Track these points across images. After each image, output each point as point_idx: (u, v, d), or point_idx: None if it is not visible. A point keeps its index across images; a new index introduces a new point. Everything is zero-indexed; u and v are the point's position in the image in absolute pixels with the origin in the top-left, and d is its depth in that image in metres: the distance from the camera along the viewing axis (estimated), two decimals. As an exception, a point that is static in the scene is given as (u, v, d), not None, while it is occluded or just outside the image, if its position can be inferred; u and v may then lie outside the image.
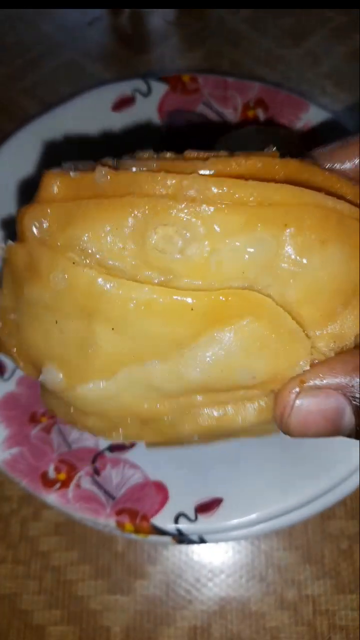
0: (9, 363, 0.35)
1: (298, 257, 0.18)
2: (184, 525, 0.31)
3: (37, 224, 0.20)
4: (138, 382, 0.20)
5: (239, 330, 0.19)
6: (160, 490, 0.32)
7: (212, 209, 0.17)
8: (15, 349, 0.22)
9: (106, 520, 0.31)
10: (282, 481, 0.31)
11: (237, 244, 0.18)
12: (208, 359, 0.19)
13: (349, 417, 0.18)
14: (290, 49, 0.51)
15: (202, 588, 0.34)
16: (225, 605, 0.33)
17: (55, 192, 0.20)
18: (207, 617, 0.33)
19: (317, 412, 0.18)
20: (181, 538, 0.31)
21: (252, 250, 0.18)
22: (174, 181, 0.18)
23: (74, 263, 0.19)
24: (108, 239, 0.18)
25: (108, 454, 0.33)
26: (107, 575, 0.34)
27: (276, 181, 0.18)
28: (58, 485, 0.32)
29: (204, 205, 0.17)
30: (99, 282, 0.18)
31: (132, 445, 0.33)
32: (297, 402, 0.18)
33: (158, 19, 0.54)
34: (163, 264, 0.18)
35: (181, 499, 0.31)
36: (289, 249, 0.18)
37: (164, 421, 0.21)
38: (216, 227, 0.18)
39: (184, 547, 0.34)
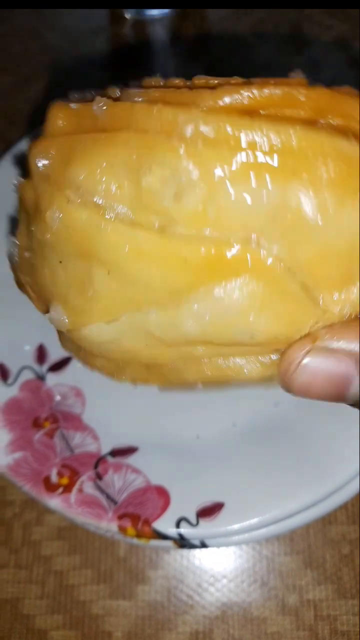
0: (12, 368, 0.36)
1: (310, 212, 0.16)
2: (185, 530, 0.31)
3: (40, 160, 0.19)
4: (138, 328, 0.19)
5: (236, 288, 0.17)
6: (162, 495, 0.32)
7: (210, 150, 0.15)
8: (30, 288, 0.22)
9: (108, 525, 0.31)
10: (284, 486, 0.31)
11: (239, 192, 0.16)
12: (204, 313, 0.17)
13: (355, 387, 0.18)
14: (291, 57, 0.52)
15: (204, 593, 0.34)
16: (226, 610, 0.33)
17: (60, 125, 0.19)
18: (208, 622, 0.33)
19: (324, 375, 0.17)
20: (183, 542, 0.31)
21: (256, 200, 0.16)
22: (169, 116, 0.16)
23: (68, 202, 0.18)
24: (103, 177, 0.17)
25: (110, 459, 0.33)
26: (109, 580, 0.34)
27: (298, 119, 0.16)
28: (61, 489, 0.32)
29: (201, 146, 0.15)
30: (92, 223, 0.17)
31: (134, 450, 0.34)
32: (306, 359, 0.17)
33: (160, 28, 0.55)
34: (158, 208, 0.16)
35: (183, 504, 0.31)
36: (299, 202, 0.16)
37: (167, 367, 0.20)
38: (215, 172, 0.16)
39: (185, 552, 0.34)
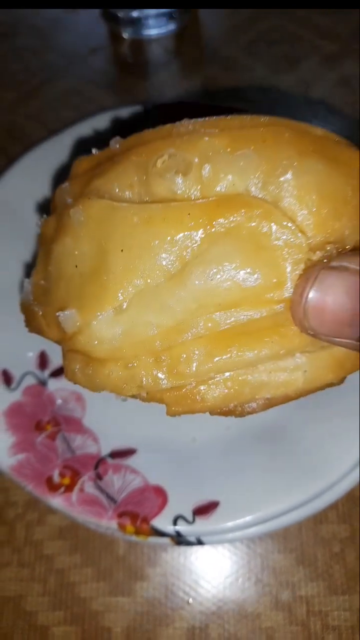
0: (15, 374, 0.37)
1: (280, 170, 0.20)
2: (182, 527, 0.32)
3: (64, 192, 0.23)
4: (150, 306, 0.21)
5: (234, 231, 0.20)
6: (160, 494, 0.33)
7: (200, 137, 0.21)
8: (42, 314, 0.25)
9: (108, 523, 0.32)
10: (277, 485, 0.33)
11: (225, 160, 0.20)
12: (210, 265, 0.20)
13: None
14: (283, 75, 0.54)
15: (200, 589, 0.35)
16: (222, 606, 0.34)
17: (83, 167, 0.24)
18: (204, 617, 0.34)
19: (340, 287, 0.18)
20: (179, 540, 0.32)
21: (239, 164, 0.20)
22: (168, 125, 0.22)
23: (89, 199, 0.22)
24: (117, 181, 0.22)
25: (110, 460, 0.35)
26: (109, 578, 0.35)
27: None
28: (62, 489, 0.33)
29: (195, 136, 0.21)
30: (107, 207, 0.21)
31: (132, 452, 0.35)
32: (322, 273, 0.18)
33: (157, 47, 0.57)
34: (165, 186, 0.21)
35: (180, 502, 0.33)
36: (271, 162, 0.20)
37: (179, 358, 0.21)
38: (207, 151, 0.21)
39: (182, 550, 0.36)
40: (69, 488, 0.33)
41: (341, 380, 0.22)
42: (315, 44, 0.56)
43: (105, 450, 0.35)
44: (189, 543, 0.33)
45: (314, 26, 0.57)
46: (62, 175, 0.43)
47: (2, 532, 0.36)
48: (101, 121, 0.45)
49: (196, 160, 0.21)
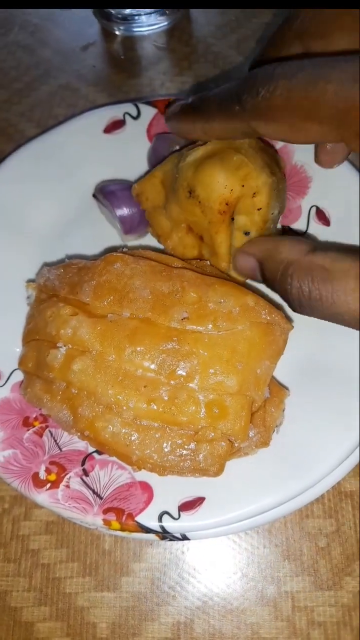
0: (3, 370, 0.37)
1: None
2: (167, 523, 0.32)
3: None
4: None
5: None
6: (146, 490, 0.33)
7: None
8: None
9: (93, 519, 0.32)
10: (262, 481, 0.33)
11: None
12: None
13: (258, 275, 0.31)
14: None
15: (186, 584, 0.35)
16: (207, 601, 0.35)
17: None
18: (190, 612, 0.34)
19: (246, 263, 0.32)
20: (165, 535, 0.32)
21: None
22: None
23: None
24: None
25: (97, 456, 0.35)
26: (95, 573, 0.35)
27: None
28: (48, 485, 0.33)
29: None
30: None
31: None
32: (237, 255, 0.34)
33: (149, 44, 0.57)
34: None
35: (165, 498, 0.33)
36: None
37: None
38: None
39: (167, 546, 0.36)
40: (55, 484, 0.33)
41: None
42: (307, 41, 0.56)
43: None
44: (174, 538, 0.33)
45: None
46: (47, 177, 0.43)
47: (-11, 527, 0.37)
48: (93, 118, 0.45)
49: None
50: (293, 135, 0.27)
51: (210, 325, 0.31)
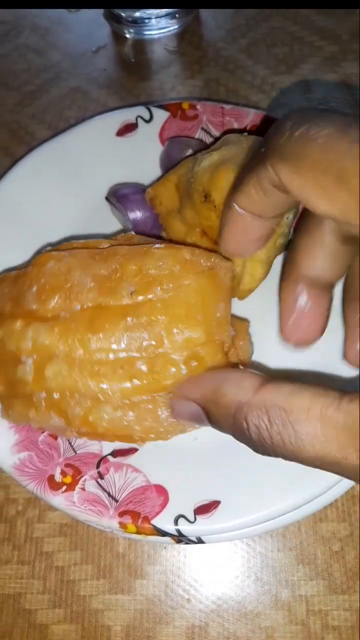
0: (17, 372, 0.37)
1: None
2: (183, 527, 0.32)
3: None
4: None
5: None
6: (161, 493, 0.33)
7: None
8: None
9: (109, 522, 0.32)
10: (278, 484, 0.33)
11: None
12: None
13: (205, 421, 0.27)
14: (283, 76, 0.54)
15: (200, 588, 0.35)
16: (221, 604, 0.35)
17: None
18: (204, 616, 0.34)
19: (186, 409, 0.28)
20: (180, 538, 0.32)
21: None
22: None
23: None
24: None
25: (111, 459, 0.35)
26: (109, 576, 0.35)
27: None
28: (64, 488, 0.33)
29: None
30: None
31: (134, 450, 0.35)
32: (174, 401, 0.30)
33: (159, 47, 0.57)
34: None
35: (181, 502, 0.33)
36: None
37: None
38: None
39: (182, 548, 0.36)
40: (71, 487, 0.33)
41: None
42: (315, 44, 0.56)
43: (107, 448, 0.35)
44: (189, 542, 0.33)
45: (314, 27, 0.57)
46: (59, 180, 0.43)
47: (3, 529, 0.37)
48: (106, 121, 0.45)
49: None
50: (313, 195, 0.21)
51: (158, 290, 0.31)
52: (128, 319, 0.31)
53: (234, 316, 0.35)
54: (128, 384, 0.31)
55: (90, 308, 0.32)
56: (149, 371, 0.31)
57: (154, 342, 0.31)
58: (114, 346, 0.31)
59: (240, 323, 0.35)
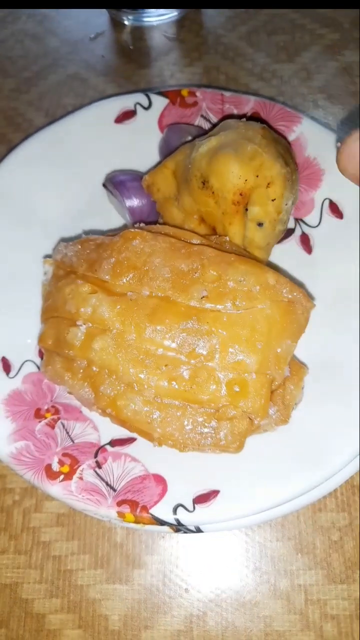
0: (14, 361, 0.37)
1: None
2: (182, 516, 0.32)
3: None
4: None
5: None
6: (160, 482, 0.33)
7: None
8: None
9: (107, 511, 0.32)
10: (277, 474, 0.33)
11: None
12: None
13: None
14: (284, 64, 0.54)
15: (198, 577, 0.35)
16: (220, 594, 0.34)
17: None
18: (202, 605, 0.34)
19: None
20: (179, 528, 0.32)
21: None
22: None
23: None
24: None
25: (109, 448, 0.35)
26: (106, 565, 0.35)
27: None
28: (61, 477, 0.33)
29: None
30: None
31: (132, 440, 0.35)
32: (343, 153, 0.31)
33: (158, 34, 0.56)
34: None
35: (180, 491, 0.33)
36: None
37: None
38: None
39: (180, 538, 0.36)
40: (68, 476, 0.33)
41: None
42: (316, 32, 0.55)
43: (105, 438, 0.35)
44: (187, 531, 0.32)
45: (315, 15, 0.56)
46: (56, 167, 0.43)
47: None
48: (104, 107, 0.45)
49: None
50: None
51: (230, 304, 0.31)
52: (190, 321, 0.31)
53: (294, 358, 0.35)
54: (165, 384, 0.31)
55: (157, 297, 0.32)
56: (190, 379, 0.31)
57: (205, 353, 0.31)
58: (167, 343, 0.31)
59: (298, 367, 0.34)
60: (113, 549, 0.35)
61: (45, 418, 0.36)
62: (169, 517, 0.32)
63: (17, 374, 0.37)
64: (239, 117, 0.44)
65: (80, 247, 0.35)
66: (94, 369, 0.32)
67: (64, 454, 0.34)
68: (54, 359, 0.34)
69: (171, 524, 0.32)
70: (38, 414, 0.36)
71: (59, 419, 0.36)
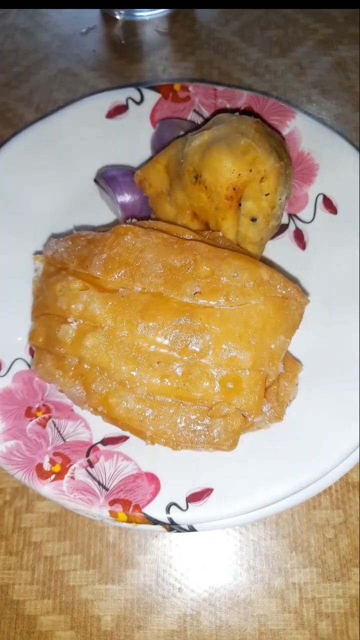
0: (4, 360, 0.36)
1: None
2: (175, 515, 0.31)
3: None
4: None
5: None
6: (153, 481, 0.33)
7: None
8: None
9: (100, 510, 0.32)
10: (271, 472, 0.32)
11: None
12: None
13: None
14: (277, 59, 0.53)
15: (192, 576, 0.34)
16: (214, 593, 0.34)
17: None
18: (196, 605, 0.34)
19: None
20: (172, 527, 0.32)
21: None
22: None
23: None
24: None
25: (102, 447, 0.34)
26: (99, 565, 0.35)
27: None
28: (53, 477, 0.32)
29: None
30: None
31: (124, 438, 0.34)
32: None
33: (150, 29, 0.56)
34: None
35: (173, 490, 0.32)
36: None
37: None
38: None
39: (173, 537, 0.35)
40: (60, 475, 0.32)
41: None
42: (310, 27, 0.55)
43: (97, 437, 0.35)
44: (181, 530, 0.32)
45: (309, 9, 0.56)
46: (47, 162, 0.42)
47: (-9, 519, 0.36)
48: (95, 102, 0.44)
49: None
50: None
51: (223, 300, 0.31)
52: (182, 317, 0.31)
53: (289, 354, 0.34)
54: (158, 381, 0.31)
55: (150, 293, 0.32)
56: (183, 377, 0.31)
57: (198, 350, 0.30)
58: (159, 339, 0.31)
59: (292, 363, 0.34)
60: (105, 549, 0.35)
61: (36, 417, 0.35)
62: (162, 516, 0.31)
63: (7, 372, 0.36)
64: (232, 111, 0.43)
65: (71, 243, 0.35)
66: (86, 366, 0.31)
67: (55, 453, 0.34)
68: (45, 356, 0.34)
69: (164, 523, 0.31)
70: (29, 413, 0.35)
71: (50, 417, 0.35)
